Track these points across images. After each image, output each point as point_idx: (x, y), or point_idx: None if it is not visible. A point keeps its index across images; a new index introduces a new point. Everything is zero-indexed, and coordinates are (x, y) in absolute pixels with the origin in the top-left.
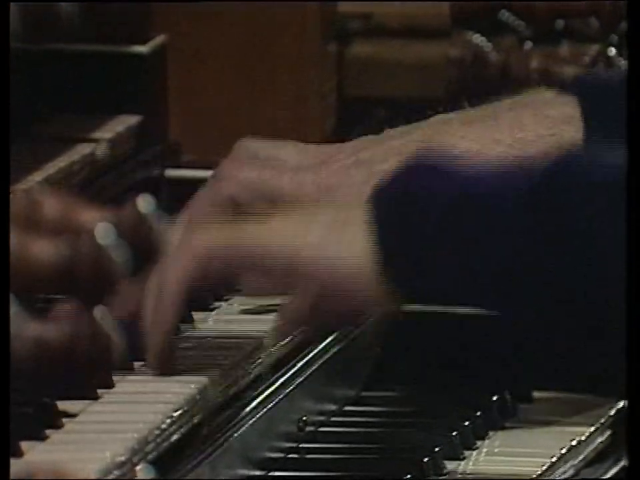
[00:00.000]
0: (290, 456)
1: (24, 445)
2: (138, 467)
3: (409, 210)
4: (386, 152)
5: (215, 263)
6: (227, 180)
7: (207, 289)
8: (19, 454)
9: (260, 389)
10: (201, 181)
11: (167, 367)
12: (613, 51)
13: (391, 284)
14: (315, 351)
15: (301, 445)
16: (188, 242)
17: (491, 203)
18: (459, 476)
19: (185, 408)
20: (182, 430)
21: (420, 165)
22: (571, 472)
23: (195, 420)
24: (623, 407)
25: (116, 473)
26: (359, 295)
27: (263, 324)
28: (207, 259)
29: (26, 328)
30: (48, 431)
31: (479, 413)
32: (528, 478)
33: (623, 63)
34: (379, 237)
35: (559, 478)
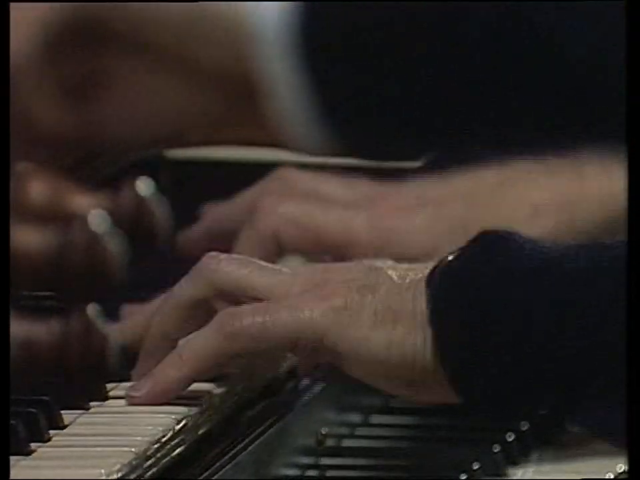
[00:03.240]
0: (308, 473)
1: None
2: None
3: (474, 300)
4: (453, 193)
5: (245, 346)
6: (268, 215)
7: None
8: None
9: (274, 398)
10: (204, 162)
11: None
12: None
13: (447, 384)
14: None
15: (320, 461)
16: (220, 316)
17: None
18: None
19: (189, 419)
20: (185, 444)
21: (486, 241)
22: None
23: (200, 432)
24: None
25: None
26: (406, 391)
27: None
28: (236, 340)
29: (10, 328)
30: (33, 445)
31: (525, 425)
32: None
33: None
34: (438, 333)
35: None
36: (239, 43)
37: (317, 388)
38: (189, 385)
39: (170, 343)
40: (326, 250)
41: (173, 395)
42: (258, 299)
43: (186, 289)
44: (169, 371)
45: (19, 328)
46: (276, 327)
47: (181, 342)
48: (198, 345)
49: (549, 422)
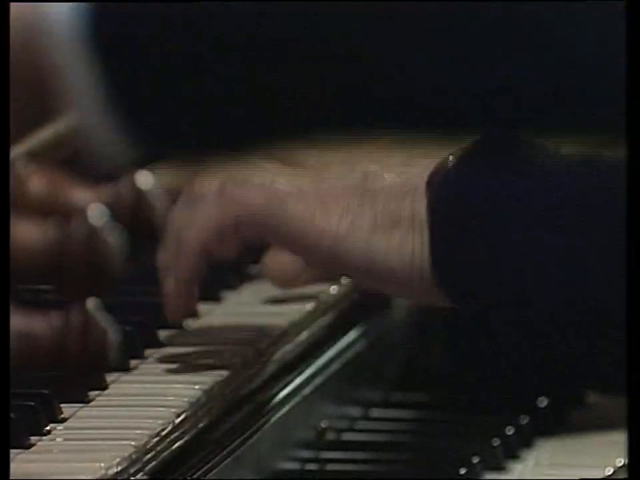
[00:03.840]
0: (308, 466)
1: None
2: (135, 479)
3: (463, 205)
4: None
5: (245, 228)
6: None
7: (226, 255)
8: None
9: (274, 391)
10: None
11: (182, 316)
12: None
13: (439, 286)
14: (337, 347)
15: (320, 454)
16: (219, 193)
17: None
18: None
19: (189, 412)
20: (185, 437)
21: (487, 144)
22: None
23: (200, 426)
24: None
25: None
26: (403, 293)
27: (278, 317)
28: (237, 217)
29: (10, 322)
30: (33, 439)
31: (524, 418)
32: None
33: None
34: (433, 240)
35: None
36: (31, 46)
37: (317, 381)
38: (204, 258)
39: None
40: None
41: (197, 282)
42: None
43: (206, 214)
44: (185, 256)
45: (19, 321)
46: (278, 212)
47: None
48: (202, 213)
49: (549, 415)
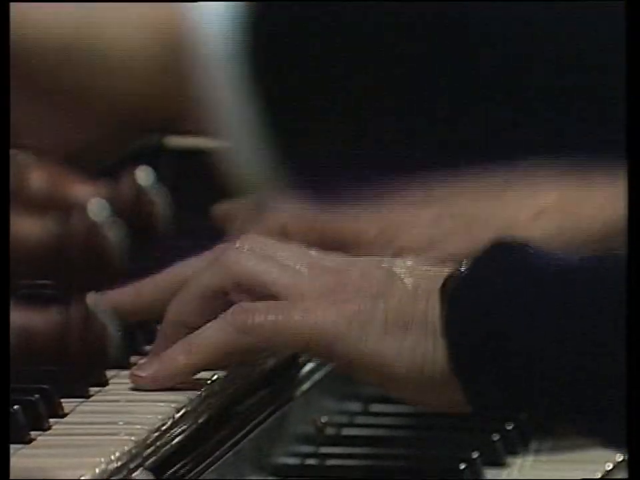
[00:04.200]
0: (308, 461)
1: None
2: (135, 474)
3: (477, 311)
4: (459, 193)
5: (255, 343)
6: (278, 209)
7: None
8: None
9: (274, 386)
10: (204, 151)
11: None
12: None
13: (459, 393)
14: None
15: (320, 450)
16: (234, 310)
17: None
18: None
19: (189, 407)
20: (185, 432)
21: (499, 250)
22: None
23: (200, 421)
24: None
25: None
26: (416, 396)
27: None
28: (247, 336)
29: (10, 317)
30: (33, 433)
31: (524, 414)
32: None
33: None
34: (451, 342)
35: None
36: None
37: (317, 376)
38: (195, 373)
39: (185, 331)
40: (332, 244)
41: (177, 381)
42: (274, 296)
43: (205, 277)
44: (178, 356)
45: (19, 316)
46: (287, 328)
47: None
48: (209, 335)
49: (548, 411)
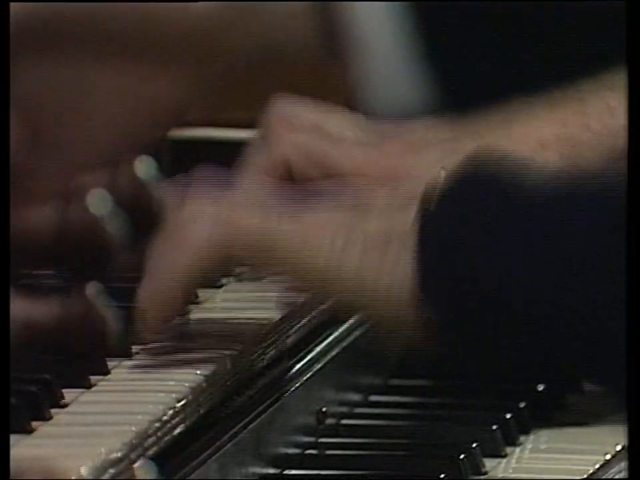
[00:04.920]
0: (308, 452)
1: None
2: (136, 465)
3: (455, 224)
4: (462, 131)
5: (238, 251)
6: (280, 141)
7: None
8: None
9: (274, 377)
10: (206, 142)
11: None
12: None
13: (430, 313)
14: (336, 333)
15: (320, 440)
16: (214, 216)
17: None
18: (500, 475)
19: (190, 397)
20: (186, 422)
21: (478, 176)
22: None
23: (201, 411)
24: None
25: (111, 471)
26: (391, 320)
27: (277, 303)
28: (230, 241)
29: (11, 307)
30: (34, 423)
31: (522, 404)
32: (578, 478)
33: None
34: (424, 261)
35: (613, 478)
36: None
37: (317, 367)
38: (191, 274)
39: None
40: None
41: (178, 289)
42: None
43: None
44: (171, 259)
45: (20, 306)
46: (272, 235)
47: None
48: (194, 232)
49: (548, 400)
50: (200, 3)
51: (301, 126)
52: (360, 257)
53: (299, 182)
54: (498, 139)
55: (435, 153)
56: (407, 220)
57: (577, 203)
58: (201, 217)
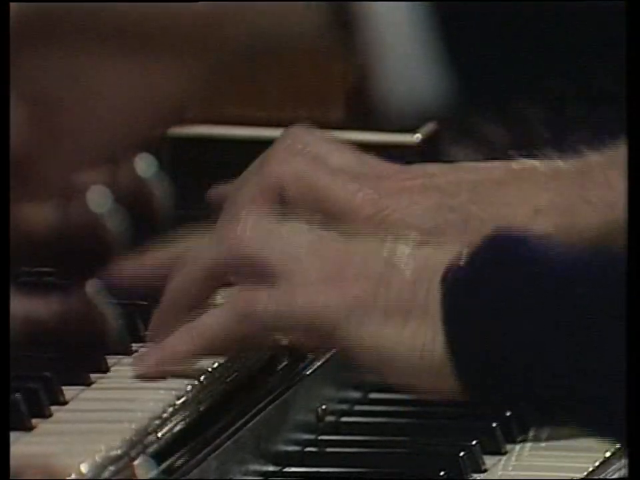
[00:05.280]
0: (308, 449)
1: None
2: (136, 462)
3: (477, 299)
4: (459, 184)
5: (256, 330)
6: (277, 167)
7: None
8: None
9: (274, 374)
10: (206, 139)
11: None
12: None
13: (456, 381)
14: None
15: (320, 437)
16: (235, 298)
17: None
18: (500, 473)
19: (190, 395)
20: (186, 420)
21: (499, 243)
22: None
23: (201, 409)
24: None
25: (111, 468)
26: (414, 384)
27: None
28: (248, 324)
29: (11, 304)
30: (34, 421)
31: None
32: (578, 475)
33: None
34: (450, 331)
35: (613, 477)
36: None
37: (317, 364)
38: (197, 360)
39: (183, 313)
40: (326, 214)
41: (179, 369)
42: (275, 277)
43: (206, 258)
44: (180, 344)
45: (20, 304)
46: (289, 316)
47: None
48: (210, 322)
49: (545, 404)
50: (199, 3)
51: (303, 153)
52: (379, 325)
53: (290, 207)
54: (493, 199)
55: (427, 201)
56: (427, 295)
57: (583, 280)
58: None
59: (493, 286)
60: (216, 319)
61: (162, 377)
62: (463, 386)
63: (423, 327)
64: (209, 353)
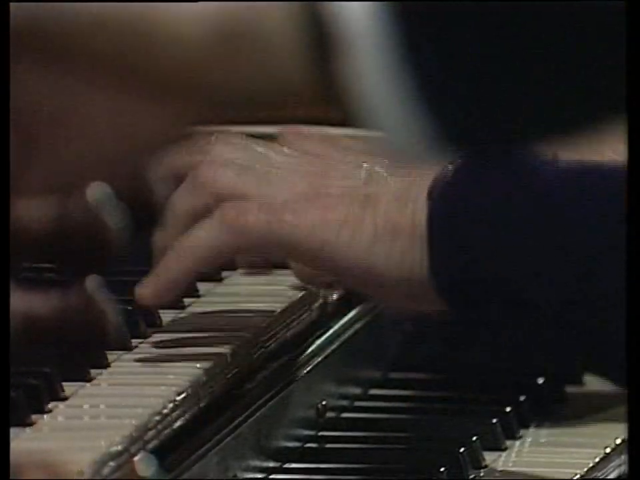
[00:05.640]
0: (308, 445)
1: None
2: (136, 458)
3: (464, 215)
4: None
5: (247, 249)
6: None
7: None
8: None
9: (274, 370)
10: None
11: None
12: None
13: (439, 295)
14: (336, 326)
15: (320, 433)
16: (225, 210)
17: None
18: (500, 469)
19: (190, 391)
20: (186, 416)
21: (470, 165)
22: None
23: (201, 404)
24: None
25: (111, 464)
26: (401, 302)
27: (277, 298)
28: (239, 243)
29: (11, 300)
30: (34, 417)
31: (522, 398)
32: (578, 471)
33: None
34: (434, 249)
35: (613, 472)
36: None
37: (317, 360)
38: (192, 277)
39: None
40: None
41: (178, 290)
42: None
43: (185, 200)
44: (172, 263)
45: (20, 300)
46: (279, 229)
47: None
48: (200, 236)
49: (549, 394)
50: (194, 28)
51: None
52: (367, 247)
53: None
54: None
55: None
56: (413, 212)
57: (584, 191)
58: (210, 224)
59: (478, 201)
60: (205, 231)
61: (164, 303)
62: (448, 300)
63: (410, 243)
64: (202, 267)
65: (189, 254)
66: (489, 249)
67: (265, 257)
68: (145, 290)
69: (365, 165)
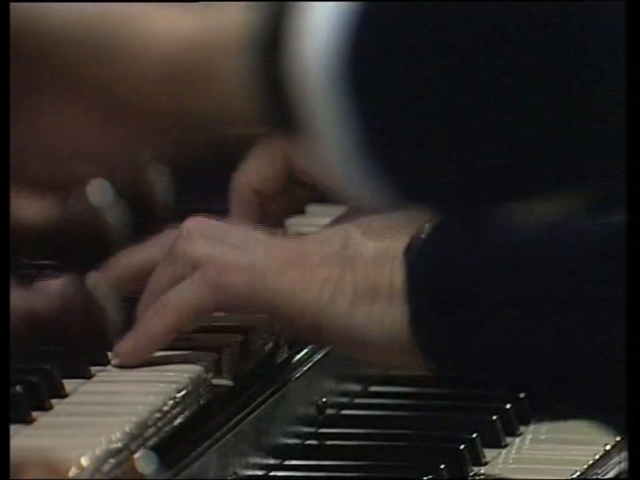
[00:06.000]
0: (308, 442)
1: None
2: (136, 455)
3: (441, 272)
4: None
5: (228, 309)
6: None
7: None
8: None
9: (274, 367)
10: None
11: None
12: None
13: (423, 355)
14: None
15: (320, 430)
16: (206, 268)
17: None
18: (500, 466)
19: (190, 388)
20: (186, 413)
21: (449, 223)
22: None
23: (201, 402)
24: None
25: (112, 461)
26: (382, 361)
27: None
28: (219, 302)
29: (10, 298)
30: (35, 414)
31: (522, 395)
32: (578, 469)
33: None
34: (413, 308)
35: (612, 472)
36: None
37: (317, 357)
38: (172, 335)
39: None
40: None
41: (156, 348)
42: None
43: (163, 272)
44: (152, 321)
45: (20, 297)
46: (261, 289)
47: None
48: (182, 295)
49: (547, 391)
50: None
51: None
52: (348, 309)
53: None
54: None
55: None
56: (391, 272)
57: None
58: (192, 284)
59: (455, 258)
60: (185, 290)
61: (142, 362)
62: (430, 361)
63: (390, 303)
64: (182, 326)
65: (169, 310)
66: (467, 304)
67: (246, 314)
68: (123, 347)
69: (341, 228)
